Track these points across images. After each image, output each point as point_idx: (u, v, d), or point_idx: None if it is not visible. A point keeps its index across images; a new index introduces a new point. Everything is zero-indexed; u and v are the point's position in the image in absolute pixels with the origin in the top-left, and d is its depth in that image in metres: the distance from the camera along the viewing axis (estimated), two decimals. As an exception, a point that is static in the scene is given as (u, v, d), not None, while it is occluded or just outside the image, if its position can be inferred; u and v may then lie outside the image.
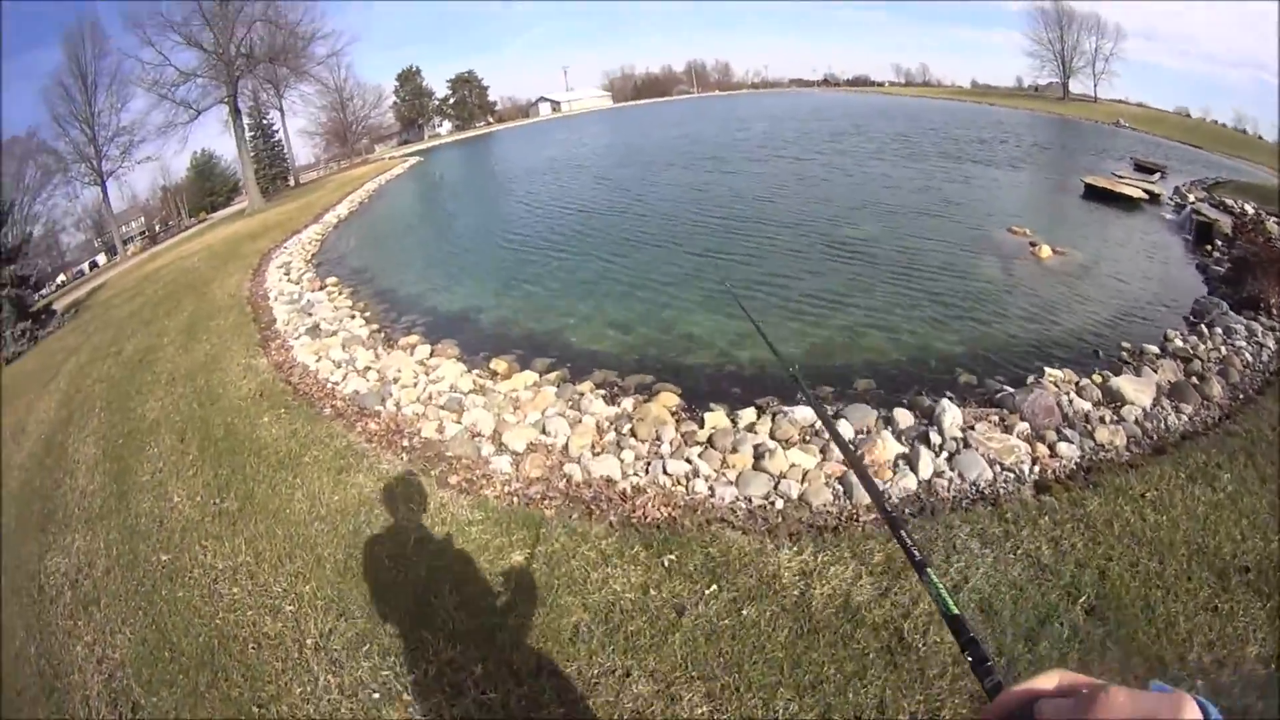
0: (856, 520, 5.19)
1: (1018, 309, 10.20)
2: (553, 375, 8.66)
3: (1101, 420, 6.50)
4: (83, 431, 8.86)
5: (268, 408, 8.13)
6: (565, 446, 6.69)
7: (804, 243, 14.06)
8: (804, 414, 6.72)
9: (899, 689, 3.67)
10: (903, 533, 1.14)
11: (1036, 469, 5.79)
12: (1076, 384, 7.34)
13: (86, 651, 4.93)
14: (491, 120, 79.85)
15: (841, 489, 5.65)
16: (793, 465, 5.99)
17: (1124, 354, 8.35)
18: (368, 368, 9.15)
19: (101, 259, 44.63)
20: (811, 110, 50.90)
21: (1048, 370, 7.65)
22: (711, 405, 7.44)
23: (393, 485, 6.02)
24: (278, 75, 45.21)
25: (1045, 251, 12.69)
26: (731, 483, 5.84)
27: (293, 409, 8.00)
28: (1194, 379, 7.28)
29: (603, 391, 8.06)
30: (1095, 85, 63.99)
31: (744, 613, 4.26)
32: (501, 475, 6.25)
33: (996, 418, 6.63)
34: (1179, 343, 8.48)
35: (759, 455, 6.14)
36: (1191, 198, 18.53)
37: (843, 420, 6.72)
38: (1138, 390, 6.86)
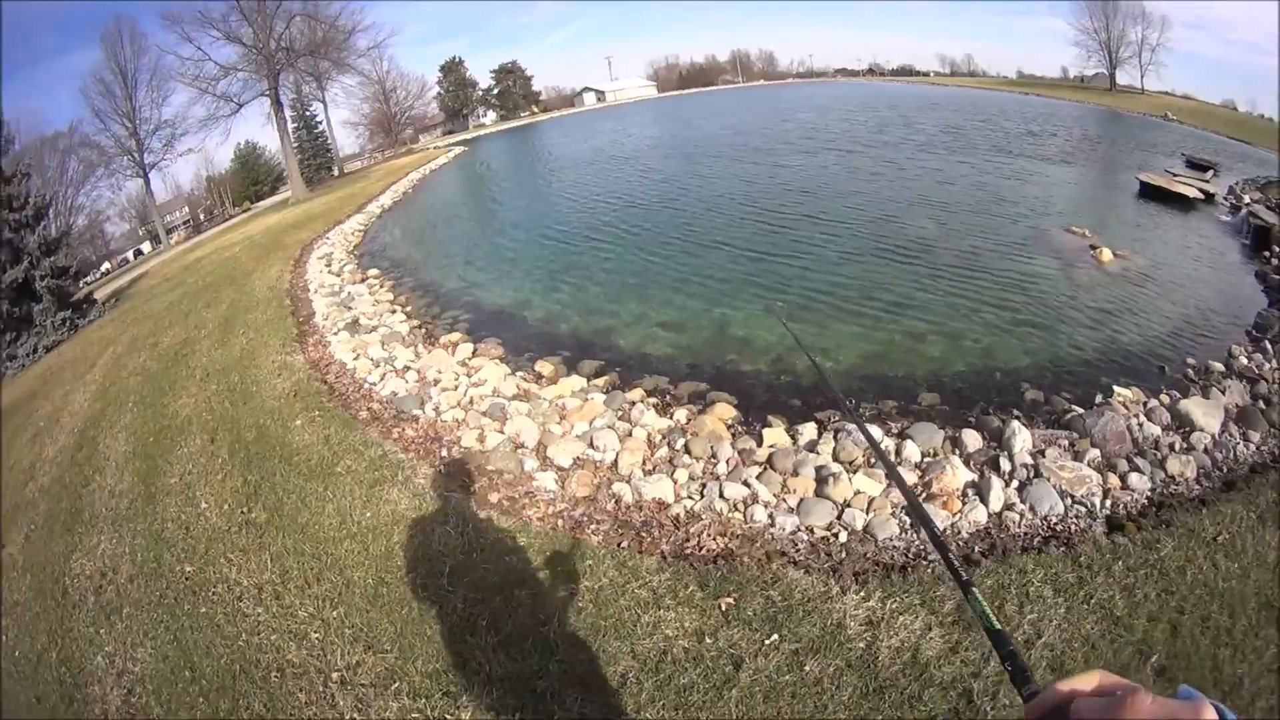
0: (925, 559, 4.87)
1: (1081, 317, 9.77)
2: (601, 381, 8.33)
3: (1171, 448, 6.20)
4: (115, 427, 8.71)
5: (301, 409, 7.89)
6: (615, 463, 6.34)
7: (857, 241, 13.60)
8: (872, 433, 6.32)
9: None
10: (950, 555, 1.16)
11: (1108, 503, 5.50)
12: (1145, 405, 7.00)
13: (107, 663, 4.75)
14: (536, 110, 79.56)
15: (909, 521, 5.31)
16: (858, 493, 5.62)
17: (1189, 371, 8.08)
18: (407, 367, 8.88)
19: (146, 247, 45.32)
20: (858, 101, 50.00)
21: (1116, 389, 7.34)
22: (769, 419, 7.10)
23: (429, 503, 5.72)
24: (319, 68, 45.01)
25: (1106, 255, 12.17)
26: (792, 510, 5.49)
27: (327, 412, 7.75)
28: (1261, 403, 7.00)
29: (654, 400, 7.72)
30: (1142, 76, 62.22)
31: (806, 668, 3.91)
32: (546, 494, 5.92)
33: (1066, 442, 6.33)
34: (1244, 360, 8.15)
35: (821, 480, 5.77)
36: (1247, 198, 17.86)
37: (909, 442, 6.33)
38: (1206, 415, 6.54)
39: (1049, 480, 5.67)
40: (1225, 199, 18.14)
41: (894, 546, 5.07)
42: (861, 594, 4.44)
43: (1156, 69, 61.96)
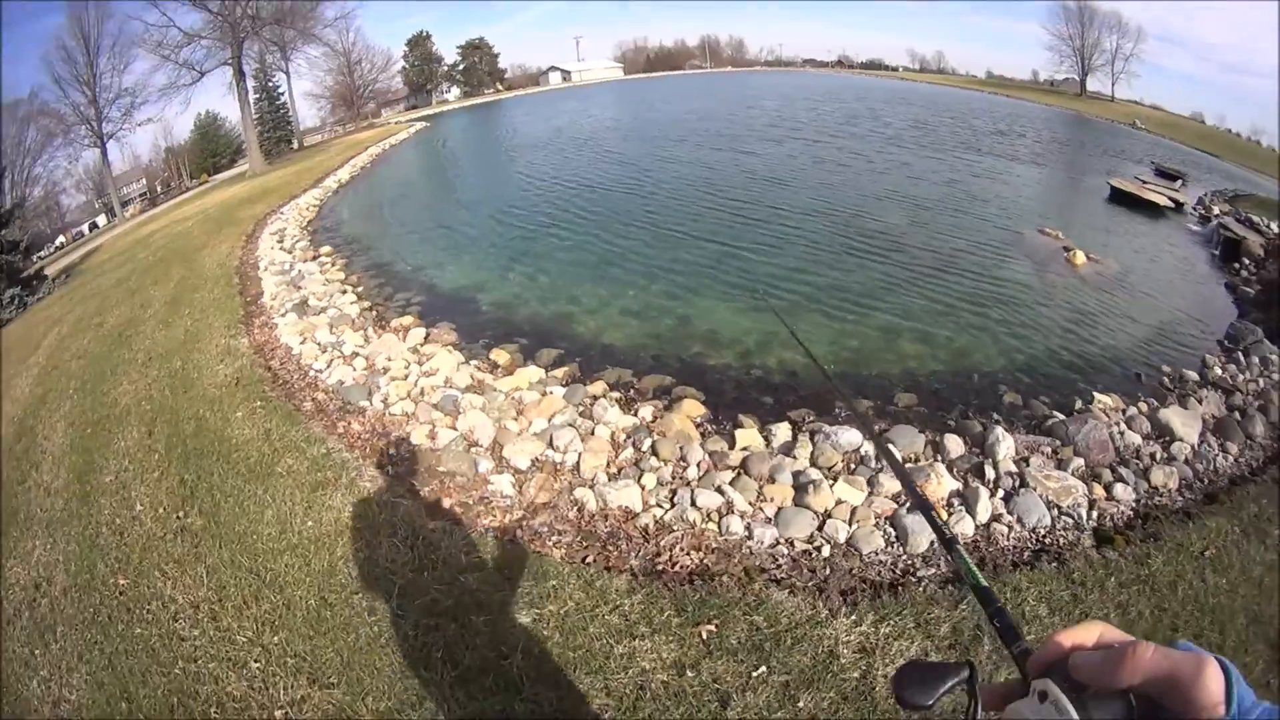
0: (913, 575, 4.64)
1: (1056, 319, 9.67)
2: (560, 372, 7.85)
3: (1153, 458, 6.22)
4: (54, 416, 8.10)
5: (242, 400, 7.33)
6: (576, 465, 5.87)
7: (826, 234, 13.28)
8: (849, 438, 6.01)
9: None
10: (932, 514, 1.16)
11: (1095, 514, 5.42)
12: (1124, 413, 7.01)
13: (43, 690, 4.22)
14: (500, 88, 78.32)
15: (894, 532, 5.06)
16: (839, 502, 5.28)
17: (1165, 379, 8.15)
18: (355, 354, 8.33)
19: (102, 220, 43.67)
20: (826, 92, 49.90)
21: (1096, 396, 7.33)
22: (740, 418, 6.76)
23: (375, 511, 5.19)
24: (284, 37, 43.84)
25: (1080, 258, 12.11)
26: (770, 521, 5.12)
27: (269, 402, 7.19)
28: (1237, 414, 7.11)
29: (617, 395, 7.27)
30: (1113, 84, 63.33)
31: (800, 703, 3.56)
32: (502, 500, 5.44)
33: (1049, 449, 6.25)
34: (1218, 371, 8.29)
35: (800, 487, 5.43)
36: (1216, 210, 18.29)
37: (890, 446, 6.06)
38: (1185, 425, 6.62)
39: (1035, 490, 5.53)
40: (1195, 209, 18.47)
41: (880, 561, 4.80)
42: (853, 617, 4.13)
43: (1128, 78, 63.28)
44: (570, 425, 6.42)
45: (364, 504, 5.28)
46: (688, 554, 4.70)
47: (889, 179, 18.68)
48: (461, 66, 76.49)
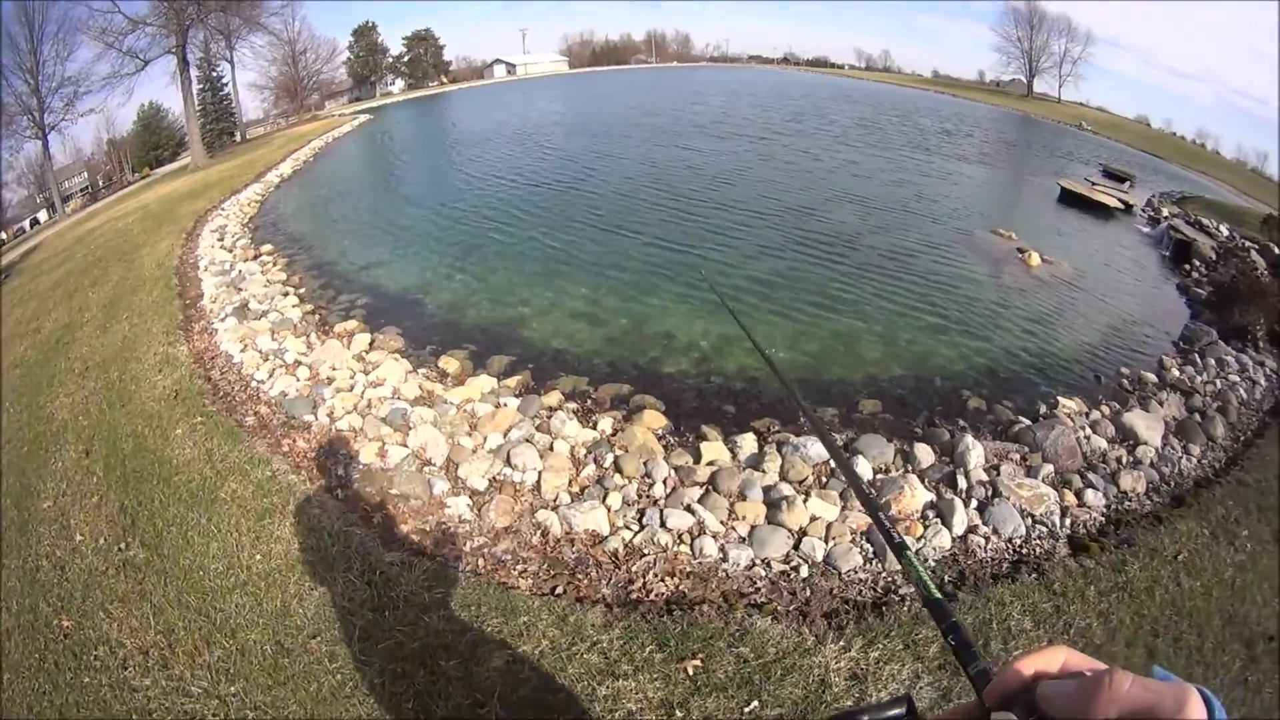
0: (895, 593, 4.56)
1: (1014, 321, 9.69)
2: (513, 381, 7.54)
3: (1119, 462, 6.34)
4: (-12, 432, 7.58)
5: (182, 415, 6.90)
6: (537, 485, 5.59)
7: (776, 234, 13.11)
8: (818, 450, 5.86)
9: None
10: (880, 515, 1.04)
11: (1068, 521, 5.45)
12: (1088, 416, 7.10)
13: None
14: (445, 80, 76.90)
15: (871, 549, 4.95)
16: (814, 518, 5.15)
17: (1125, 381, 8.28)
18: (298, 362, 7.92)
19: (43, 216, 41.71)
20: (771, 88, 49.99)
21: (1061, 400, 7.35)
22: (703, 429, 6.56)
23: (327, 542, 4.84)
24: (229, 25, 42.34)
25: (1034, 259, 12.20)
26: (744, 541, 4.95)
27: (210, 417, 6.77)
28: (1197, 416, 7.34)
29: (574, 406, 7.00)
30: (1060, 86, 64.40)
31: (797, 741, 3.37)
32: (461, 525, 5.14)
33: (1018, 456, 6.28)
34: (1176, 373, 8.47)
35: (772, 504, 5.28)
36: (1165, 212, 18.70)
37: (859, 457, 5.94)
38: (1149, 428, 6.77)
39: (1009, 499, 5.52)
40: (1144, 210, 18.87)
41: (860, 580, 4.70)
42: (840, 643, 4.00)
43: (1075, 80, 64.47)
44: (527, 441, 6.13)
45: (314, 534, 4.91)
46: (662, 580, 4.49)
47: (838, 178, 18.66)
48: (406, 58, 75.10)
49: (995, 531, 5.21)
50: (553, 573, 4.59)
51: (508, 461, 5.86)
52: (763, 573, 4.68)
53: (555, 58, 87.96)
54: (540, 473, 5.70)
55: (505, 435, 6.27)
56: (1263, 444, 6.94)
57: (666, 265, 11.28)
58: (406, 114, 48.51)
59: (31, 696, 4.07)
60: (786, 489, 5.44)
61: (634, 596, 4.36)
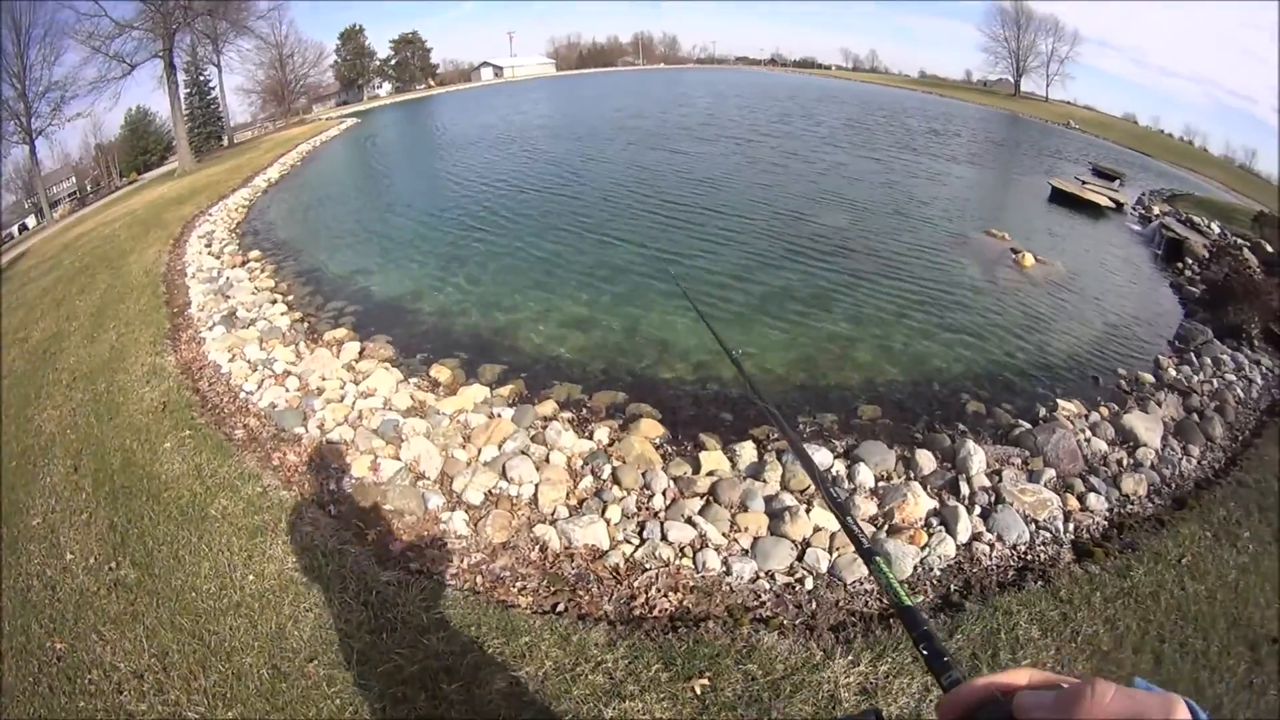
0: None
1: (1010, 323, 9.65)
2: (506, 390, 7.42)
3: (1120, 464, 6.32)
4: (-21, 444, 7.45)
5: (170, 428, 6.77)
6: (534, 499, 5.47)
7: (766, 238, 13.02)
8: (819, 458, 5.82)
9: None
10: (849, 519, 1.08)
11: (1071, 526, 5.40)
12: (1087, 419, 7.07)
13: None
14: (433, 83, 76.71)
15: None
16: (817, 528, 5.06)
17: (1122, 382, 8.26)
18: (287, 372, 7.79)
19: (31, 221, 41.33)
20: (758, 89, 49.98)
21: (1060, 403, 7.31)
22: (702, 438, 6.47)
23: (321, 561, 4.72)
24: (217, 29, 42.08)
25: (1028, 260, 12.17)
26: (748, 553, 4.86)
27: (199, 431, 6.64)
28: (1195, 416, 7.32)
29: (569, 416, 6.89)
30: (1048, 85, 64.96)
31: (811, 761, 3.29)
32: (457, 540, 5.02)
33: (1019, 460, 6.24)
34: (1173, 373, 8.47)
35: (774, 514, 5.18)
36: (1156, 210, 18.73)
37: (861, 465, 5.84)
38: (1148, 429, 6.74)
39: (1013, 505, 5.47)
40: (1134, 209, 18.92)
41: (866, 590, 4.63)
42: (849, 657, 3.92)
43: (1062, 80, 64.97)
44: (523, 452, 6.01)
45: (308, 553, 4.79)
46: (665, 595, 4.39)
47: (827, 180, 18.60)
48: (394, 61, 74.93)
49: (1000, 538, 5.15)
50: (553, 589, 4.49)
51: (503, 474, 5.73)
52: (767, 585, 4.59)
53: (542, 60, 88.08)
54: (537, 485, 5.59)
55: (500, 447, 6.15)
56: (1261, 443, 6.91)
57: (656, 271, 11.12)
58: (394, 117, 48.45)
59: (28, 724, 3.96)
60: (788, 499, 5.34)
61: (637, 613, 4.26)
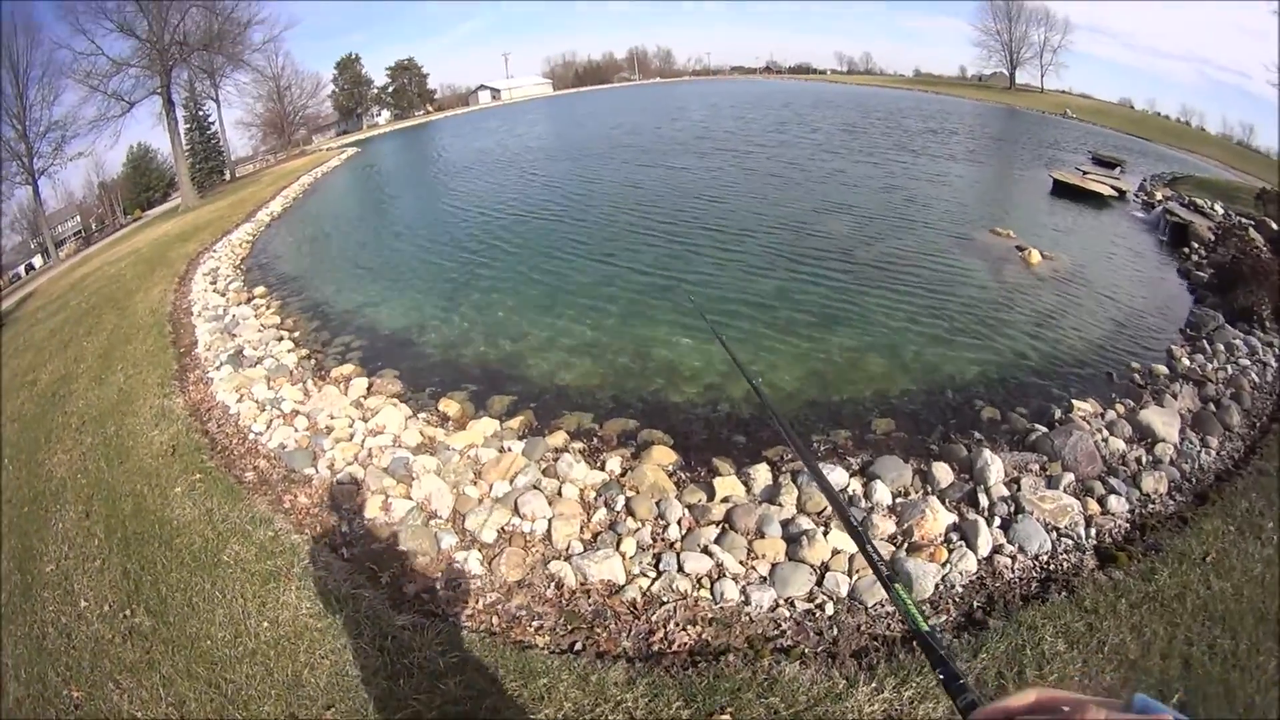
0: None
1: (1019, 323, 9.57)
2: (516, 422, 7.38)
3: (1139, 463, 6.21)
4: (-9, 489, 7.50)
5: (180, 472, 6.75)
6: (548, 535, 5.41)
7: (768, 252, 12.93)
8: (834, 478, 5.75)
9: None
10: (869, 546, 1.11)
11: (1093, 531, 5.29)
12: (1103, 417, 6.98)
13: None
14: (430, 109, 77.33)
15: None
16: (835, 551, 4.97)
17: (1136, 377, 8.14)
18: (295, 411, 7.78)
19: (38, 261, 41.63)
20: (753, 98, 50.12)
21: (1075, 403, 7.22)
22: (715, 462, 6.40)
23: (335, 606, 4.67)
24: (213, 64, 42.55)
25: (1035, 257, 12.10)
26: (766, 580, 4.77)
27: (209, 474, 6.63)
28: (1212, 405, 7.17)
29: (580, 446, 6.83)
30: (1042, 76, 65.62)
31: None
32: (471, 580, 4.96)
33: (1037, 466, 6.12)
34: (1186, 362, 8.35)
35: (791, 539, 5.10)
36: (1159, 195, 18.60)
37: (877, 481, 5.76)
38: (1165, 424, 6.61)
39: (1032, 514, 5.37)
40: (1137, 195, 18.82)
41: (887, 613, 4.52)
42: (872, 684, 3.82)
43: (1056, 69, 65.51)
44: (535, 487, 5.95)
45: (322, 598, 4.75)
46: (684, 629, 4.32)
47: (826, 189, 18.51)
48: (391, 88, 75.55)
49: (1021, 550, 5.04)
50: (570, 627, 4.42)
51: (516, 510, 5.67)
52: (787, 613, 4.51)
53: (538, 80, 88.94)
54: (550, 520, 5.52)
55: (511, 482, 6.08)
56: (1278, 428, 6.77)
57: (659, 292, 11.10)
58: (393, 145, 48.98)
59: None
60: (805, 522, 5.27)
61: (656, 648, 4.19)
